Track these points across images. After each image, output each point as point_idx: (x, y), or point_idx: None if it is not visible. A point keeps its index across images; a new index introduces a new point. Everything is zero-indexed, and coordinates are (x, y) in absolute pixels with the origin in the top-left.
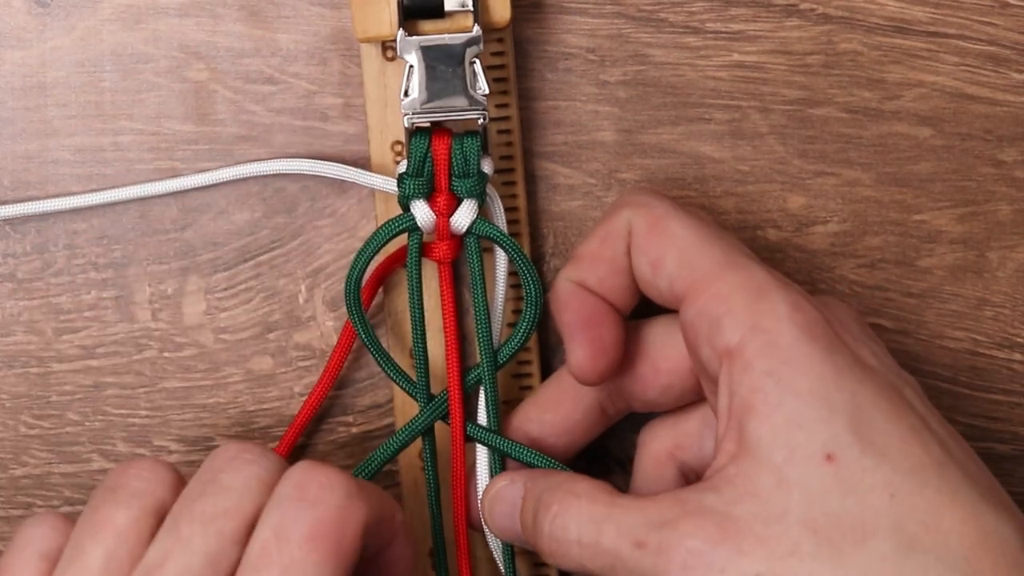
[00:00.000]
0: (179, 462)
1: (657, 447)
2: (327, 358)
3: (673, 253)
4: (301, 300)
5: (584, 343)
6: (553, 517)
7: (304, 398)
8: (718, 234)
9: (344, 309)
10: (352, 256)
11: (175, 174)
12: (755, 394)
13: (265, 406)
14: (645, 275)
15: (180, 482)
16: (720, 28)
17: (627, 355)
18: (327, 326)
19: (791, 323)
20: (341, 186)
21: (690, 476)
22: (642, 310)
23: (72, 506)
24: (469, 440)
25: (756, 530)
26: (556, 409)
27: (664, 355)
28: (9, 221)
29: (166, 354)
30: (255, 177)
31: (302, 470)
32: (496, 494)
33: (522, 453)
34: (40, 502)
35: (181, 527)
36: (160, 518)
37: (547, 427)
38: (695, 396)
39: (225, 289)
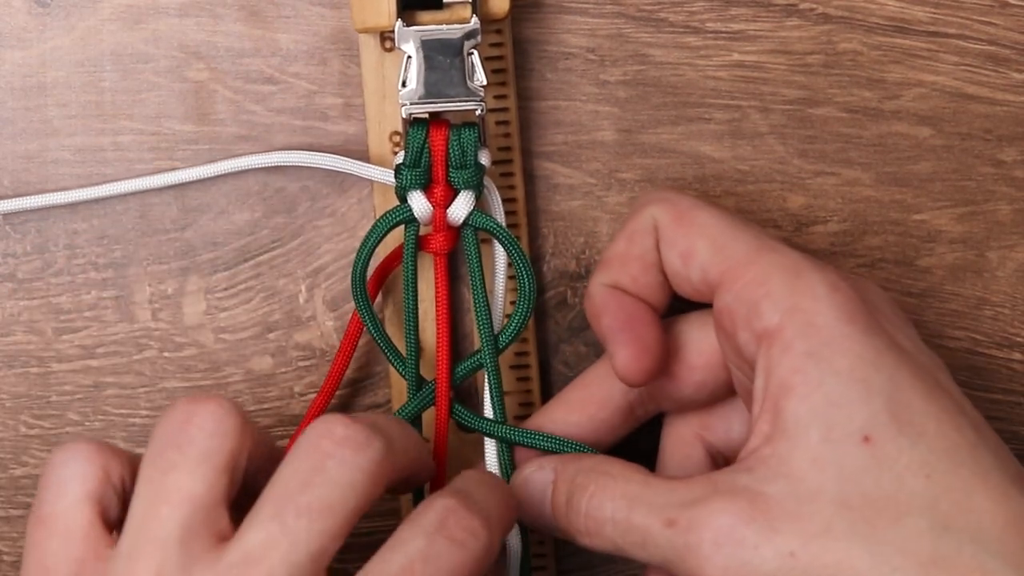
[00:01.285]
0: None
1: (683, 428)
2: (327, 358)
3: (703, 242)
4: (301, 300)
5: (627, 344)
6: (589, 497)
7: (304, 398)
8: (745, 221)
9: (344, 309)
10: (353, 255)
11: None
12: (795, 375)
13: (265, 406)
14: (676, 268)
15: (246, 425)
16: (720, 28)
17: None
18: (327, 326)
19: (830, 303)
20: (341, 186)
21: (717, 458)
22: (670, 313)
23: None
24: (469, 431)
25: (789, 508)
26: (582, 410)
27: (697, 350)
28: (9, 221)
29: (166, 354)
30: (255, 177)
31: (449, 508)
32: (526, 479)
33: (528, 437)
34: None
35: (287, 517)
36: (234, 471)
37: (572, 428)
38: (726, 392)
39: (225, 289)
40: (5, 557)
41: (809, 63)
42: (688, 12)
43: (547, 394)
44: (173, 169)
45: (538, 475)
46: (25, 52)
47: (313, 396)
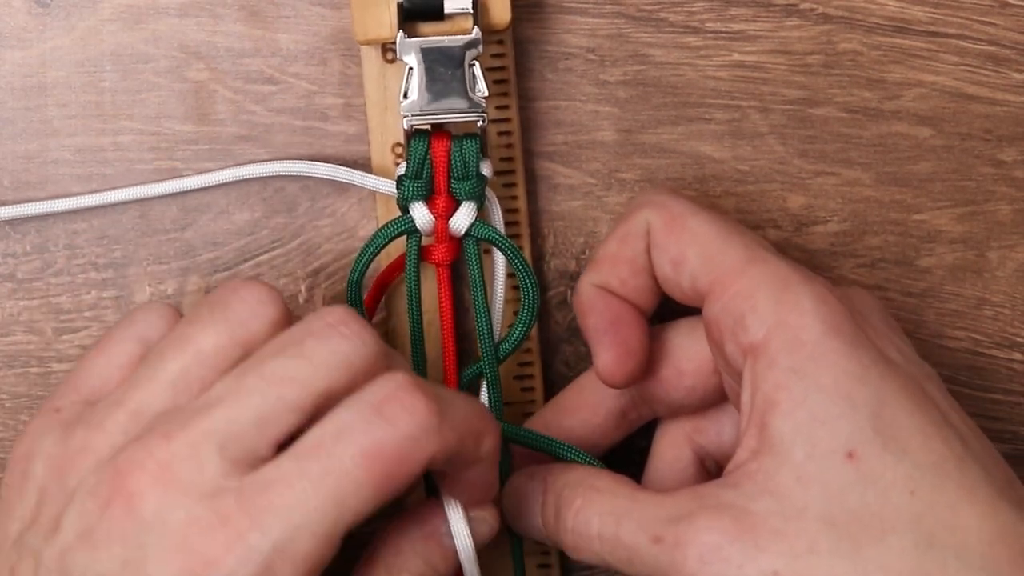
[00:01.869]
0: None
1: (675, 431)
2: None
3: (694, 250)
4: (301, 300)
5: (611, 346)
6: (576, 512)
7: None
8: (738, 229)
9: None
10: (352, 257)
11: (175, 174)
12: (779, 391)
13: None
14: (666, 273)
15: (284, 319)
16: (720, 28)
17: (651, 359)
18: None
19: (816, 318)
20: (341, 186)
21: (707, 461)
22: (663, 315)
23: None
24: None
25: (774, 526)
26: (575, 414)
27: (688, 356)
28: (9, 221)
29: None
30: (255, 177)
31: (393, 385)
32: (516, 490)
33: (524, 436)
34: None
35: (247, 378)
36: (248, 351)
37: (565, 432)
38: (718, 398)
39: None
40: None
41: (809, 63)
42: (688, 12)
43: (548, 396)
44: (173, 169)
45: (528, 485)
46: (25, 52)
47: None
